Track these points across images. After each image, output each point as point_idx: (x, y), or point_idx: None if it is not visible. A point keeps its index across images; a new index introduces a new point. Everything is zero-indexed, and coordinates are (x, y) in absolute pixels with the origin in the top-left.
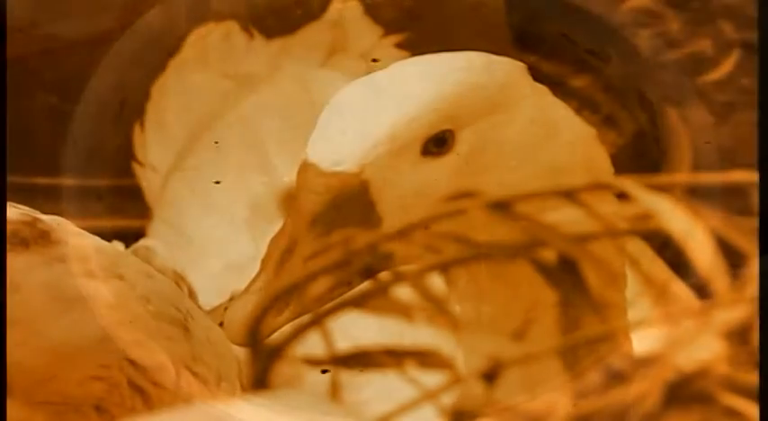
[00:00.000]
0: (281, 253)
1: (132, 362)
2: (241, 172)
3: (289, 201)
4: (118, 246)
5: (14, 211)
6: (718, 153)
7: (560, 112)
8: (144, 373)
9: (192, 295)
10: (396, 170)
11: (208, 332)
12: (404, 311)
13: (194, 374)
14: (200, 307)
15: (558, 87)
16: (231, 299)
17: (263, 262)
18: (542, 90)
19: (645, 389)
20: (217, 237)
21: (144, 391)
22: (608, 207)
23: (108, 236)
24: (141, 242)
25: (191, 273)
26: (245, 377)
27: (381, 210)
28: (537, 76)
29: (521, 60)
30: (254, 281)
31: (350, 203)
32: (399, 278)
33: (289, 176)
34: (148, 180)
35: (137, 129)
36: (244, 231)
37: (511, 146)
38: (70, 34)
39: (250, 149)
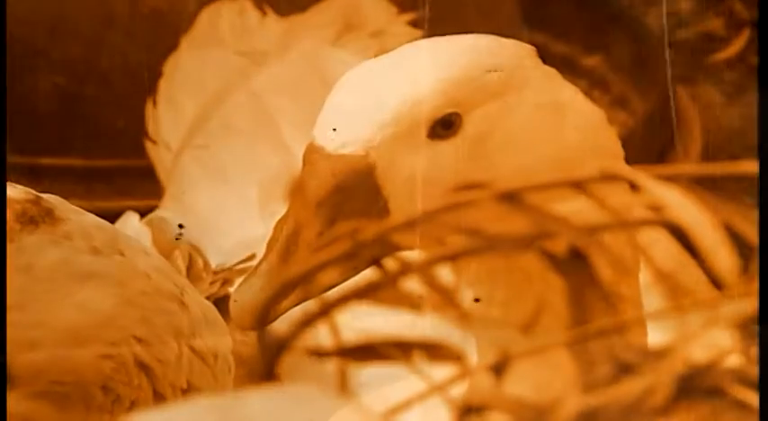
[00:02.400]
0: (287, 237)
1: (139, 340)
2: (252, 150)
3: (295, 183)
4: (133, 216)
5: (16, 190)
6: (727, 133)
7: (569, 95)
8: (149, 350)
9: (206, 268)
10: (402, 153)
11: (201, 307)
12: (412, 303)
13: (193, 350)
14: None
15: (568, 67)
16: (212, 274)
17: (269, 245)
18: (551, 72)
19: (656, 382)
20: (227, 215)
21: (150, 368)
22: (619, 197)
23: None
24: (156, 212)
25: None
26: (254, 360)
27: (387, 194)
28: (547, 55)
29: (531, 40)
30: (259, 264)
31: (356, 187)
32: (407, 269)
33: (298, 155)
34: (161, 157)
35: (149, 106)
36: (254, 210)
37: (519, 129)
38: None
39: (261, 127)
